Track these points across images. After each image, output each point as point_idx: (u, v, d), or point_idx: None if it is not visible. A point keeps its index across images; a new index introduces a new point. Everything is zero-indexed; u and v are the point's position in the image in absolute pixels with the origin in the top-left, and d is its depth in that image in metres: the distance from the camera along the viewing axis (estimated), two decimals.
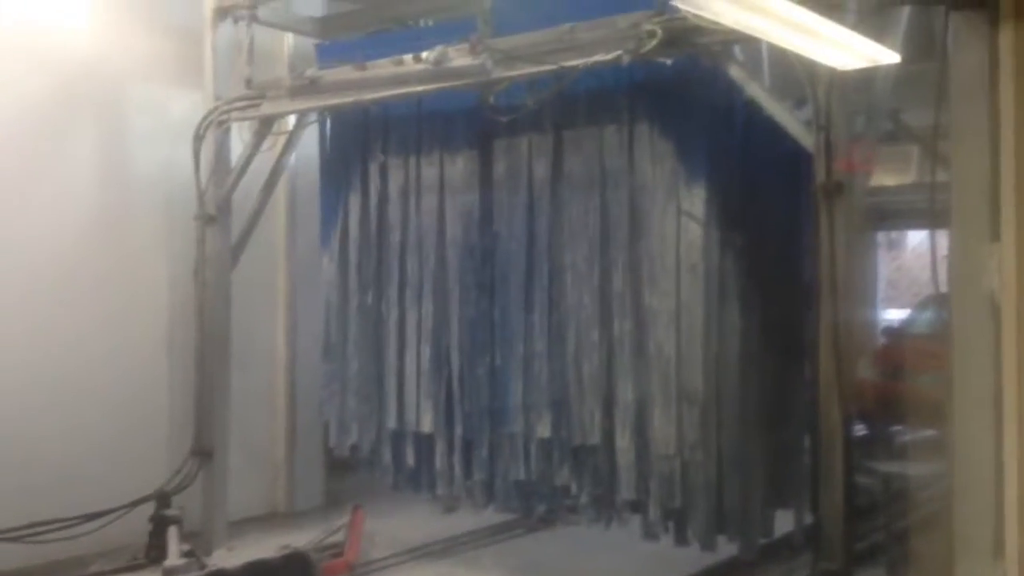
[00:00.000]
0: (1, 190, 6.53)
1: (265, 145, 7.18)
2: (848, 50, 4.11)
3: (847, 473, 4.88)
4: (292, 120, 7.37)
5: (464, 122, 6.40)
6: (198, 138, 7.07)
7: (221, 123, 7.10)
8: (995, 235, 3.01)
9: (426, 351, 6.63)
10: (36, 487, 6.40)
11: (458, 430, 6.50)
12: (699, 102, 5.53)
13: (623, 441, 5.80)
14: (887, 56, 4.16)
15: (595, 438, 5.89)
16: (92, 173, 7.16)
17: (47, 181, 6.81)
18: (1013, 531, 2.75)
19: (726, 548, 5.88)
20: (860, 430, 5.67)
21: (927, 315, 9.71)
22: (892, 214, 9.30)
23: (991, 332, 2.88)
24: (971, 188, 2.98)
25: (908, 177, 10.42)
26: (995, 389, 2.85)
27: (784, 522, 6.15)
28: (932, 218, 4.10)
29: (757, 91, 5.05)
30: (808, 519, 6.16)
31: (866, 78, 4.89)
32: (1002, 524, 2.90)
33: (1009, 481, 2.75)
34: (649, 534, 5.93)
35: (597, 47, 5.27)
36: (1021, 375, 2.76)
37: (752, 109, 5.25)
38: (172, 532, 6.59)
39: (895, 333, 10.39)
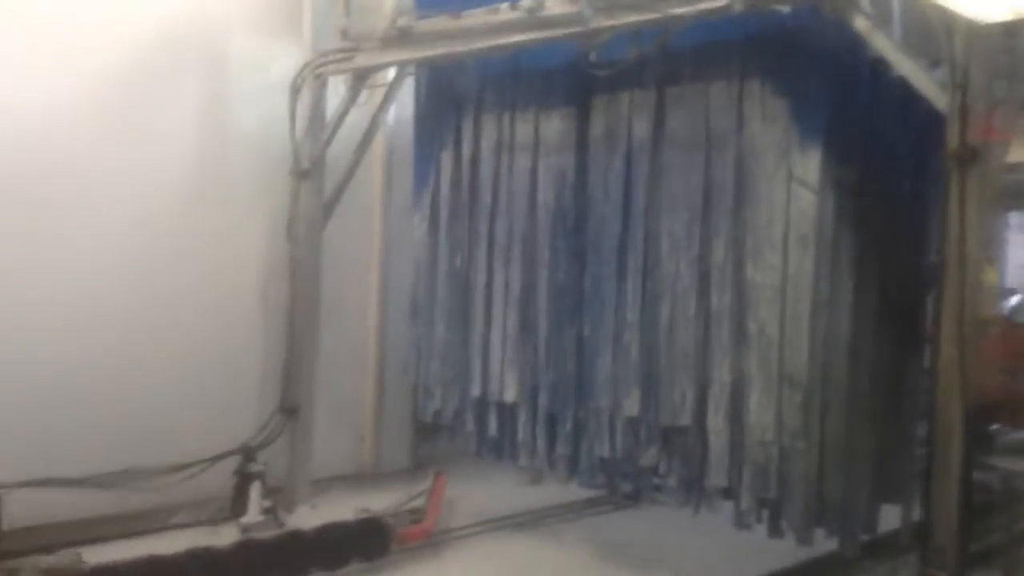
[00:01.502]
0: (104, 139, 6.52)
1: (362, 99, 7.02)
2: None
3: (965, 472, 4.40)
4: (391, 74, 7.18)
5: (561, 77, 6.06)
6: (294, 91, 6.95)
7: (317, 76, 6.96)
8: None
9: (512, 318, 6.39)
10: (132, 437, 6.46)
11: (542, 401, 6.26)
12: (818, 58, 5.04)
13: (716, 424, 5.43)
14: None
15: (686, 419, 5.54)
16: (192, 124, 7.09)
17: (148, 129, 6.77)
18: None
19: (824, 543, 5.49)
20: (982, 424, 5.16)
21: None
22: None
23: None
24: None
25: None
26: None
27: (891, 517, 5.71)
28: None
29: (886, 45, 4.54)
30: (917, 516, 5.72)
31: (1009, 33, 4.32)
32: None
33: None
34: (741, 523, 5.56)
35: None
36: None
37: (878, 67, 4.74)
38: (254, 488, 6.58)
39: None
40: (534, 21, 5.48)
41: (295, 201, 7.06)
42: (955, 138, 4.30)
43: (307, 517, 6.52)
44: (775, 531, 5.49)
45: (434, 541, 6.36)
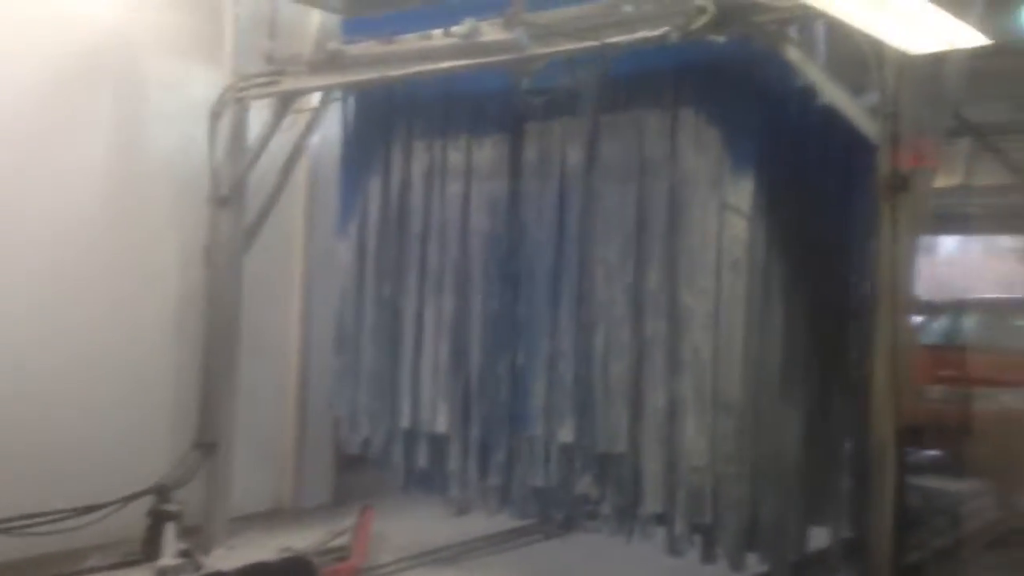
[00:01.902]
0: (14, 159, 6.22)
1: (286, 125, 6.89)
2: (924, 29, 3.72)
3: (898, 494, 4.50)
4: (316, 100, 7.06)
5: (494, 104, 6.06)
6: (214, 116, 6.76)
7: (239, 100, 6.80)
8: None
9: (444, 347, 6.29)
10: (38, 477, 6.09)
11: (475, 431, 6.16)
12: (751, 87, 5.15)
13: (651, 450, 5.44)
14: (968, 37, 3.77)
15: (621, 446, 5.52)
16: (105, 148, 6.84)
17: (60, 153, 6.49)
18: None
19: (754, 565, 5.49)
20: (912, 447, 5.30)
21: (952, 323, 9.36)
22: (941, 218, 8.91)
23: None
24: None
25: (955, 179, 9.96)
26: None
27: (817, 536, 5.74)
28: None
29: (817, 75, 4.66)
30: (845, 535, 5.83)
31: (936, 64, 4.49)
32: None
33: None
34: (674, 549, 5.55)
35: (643, 23, 4.91)
36: None
37: (807, 96, 4.86)
38: (169, 528, 6.28)
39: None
40: (468, 47, 5.46)
41: (214, 228, 6.85)
42: (886, 165, 4.43)
43: (226, 558, 6.27)
44: (708, 557, 5.49)
45: None
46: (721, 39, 4.85)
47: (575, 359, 5.71)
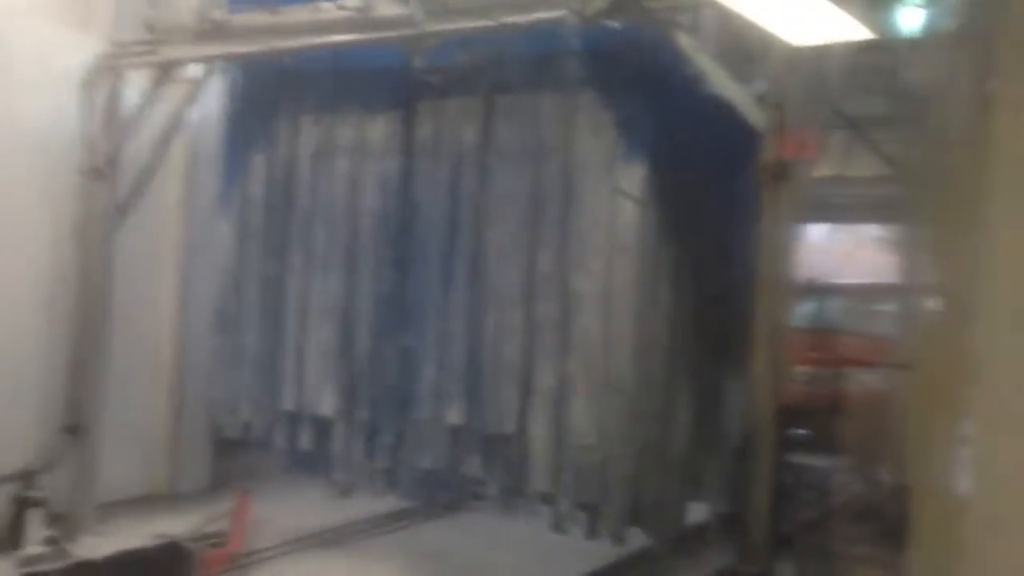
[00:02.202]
0: None
1: (165, 96, 6.61)
2: (809, 21, 3.87)
3: (775, 473, 4.70)
4: (199, 70, 6.80)
5: (386, 80, 5.98)
6: (88, 85, 6.46)
7: (115, 69, 6.50)
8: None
9: (331, 328, 6.19)
10: None
11: (362, 414, 6.10)
12: (644, 73, 5.25)
13: (540, 430, 5.50)
14: (850, 31, 3.94)
15: (510, 427, 5.57)
16: None
17: None
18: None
19: (635, 540, 5.64)
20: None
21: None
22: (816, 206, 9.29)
23: None
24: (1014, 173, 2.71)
25: (828, 170, 10.41)
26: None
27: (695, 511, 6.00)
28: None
29: (707, 63, 4.79)
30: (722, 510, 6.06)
31: (819, 57, 4.68)
32: None
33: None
34: (559, 527, 5.65)
35: (539, 5, 4.92)
36: None
37: (698, 83, 4.99)
38: (33, 516, 5.99)
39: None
40: (361, 21, 5.36)
41: (86, 202, 6.52)
42: (770, 154, 4.59)
43: (96, 545, 6.00)
44: (592, 533, 5.60)
45: (240, 564, 6.04)
46: (616, 25, 4.92)
47: (466, 341, 5.72)
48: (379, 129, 6.05)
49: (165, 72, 6.50)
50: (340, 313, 6.16)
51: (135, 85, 6.59)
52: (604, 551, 5.78)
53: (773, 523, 4.75)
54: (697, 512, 6.11)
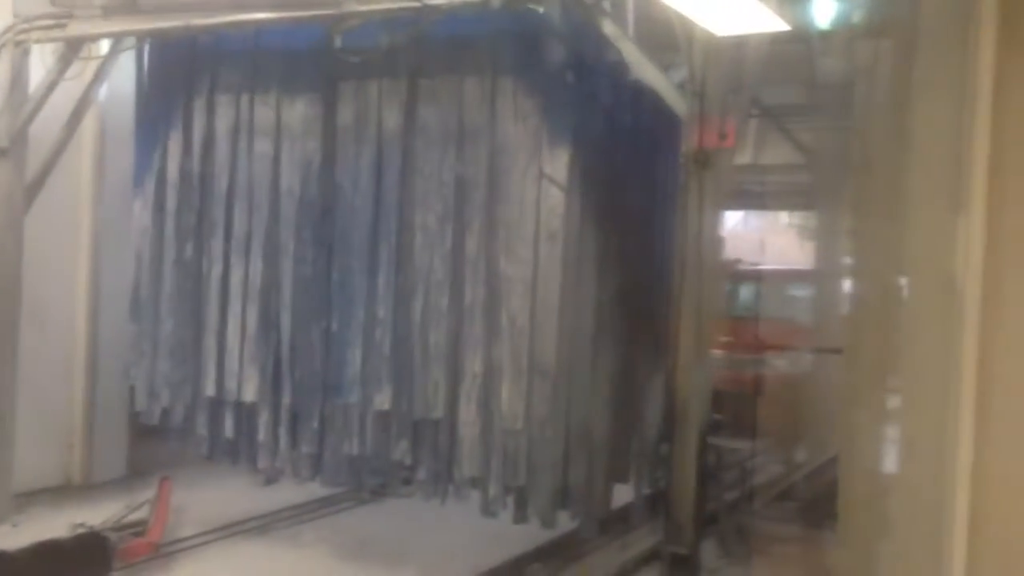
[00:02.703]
0: None
1: (72, 72, 6.36)
2: (730, 11, 3.89)
3: (700, 456, 4.79)
4: (106, 46, 6.55)
5: (306, 60, 5.83)
6: None
7: (19, 43, 6.24)
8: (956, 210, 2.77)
9: (252, 312, 6.06)
10: None
11: (286, 400, 6.00)
12: (568, 59, 5.22)
13: (468, 415, 5.49)
14: (769, 22, 3.97)
15: (439, 411, 5.54)
16: None
17: None
18: (963, 516, 2.59)
19: (562, 523, 5.70)
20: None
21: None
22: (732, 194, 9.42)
23: (948, 316, 2.70)
24: (933, 159, 2.76)
25: (744, 158, 10.60)
26: (948, 378, 2.67)
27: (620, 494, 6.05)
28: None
29: (630, 50, 4.78)
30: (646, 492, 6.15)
31: (739, 48, 4.72)
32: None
33: (961, 470, 2.59)
34: (488, 511, 5.65)
35: None
36: (983, 364, 2.59)
37: (621, 70, 4.98)
38: None
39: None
40: (280, 0, 5.21)
41: None
42: (692, 142, 4.62)
43: (11, 536, 5.84)
44: (521, 517, 5.64)
45: (162, 554, 5.91)
46: (540, 9, 4.88)
47: (392, 326, 5.66)
48: (299, 110, 5.90)
49: (73, 48, 6.25)
50: (262, 296, 6.02)
51: (42, 61, 6.33)
52: (533, 534, 5.82)
53: (697, 504, 4.85)
54: (623, 494, 6.19)
